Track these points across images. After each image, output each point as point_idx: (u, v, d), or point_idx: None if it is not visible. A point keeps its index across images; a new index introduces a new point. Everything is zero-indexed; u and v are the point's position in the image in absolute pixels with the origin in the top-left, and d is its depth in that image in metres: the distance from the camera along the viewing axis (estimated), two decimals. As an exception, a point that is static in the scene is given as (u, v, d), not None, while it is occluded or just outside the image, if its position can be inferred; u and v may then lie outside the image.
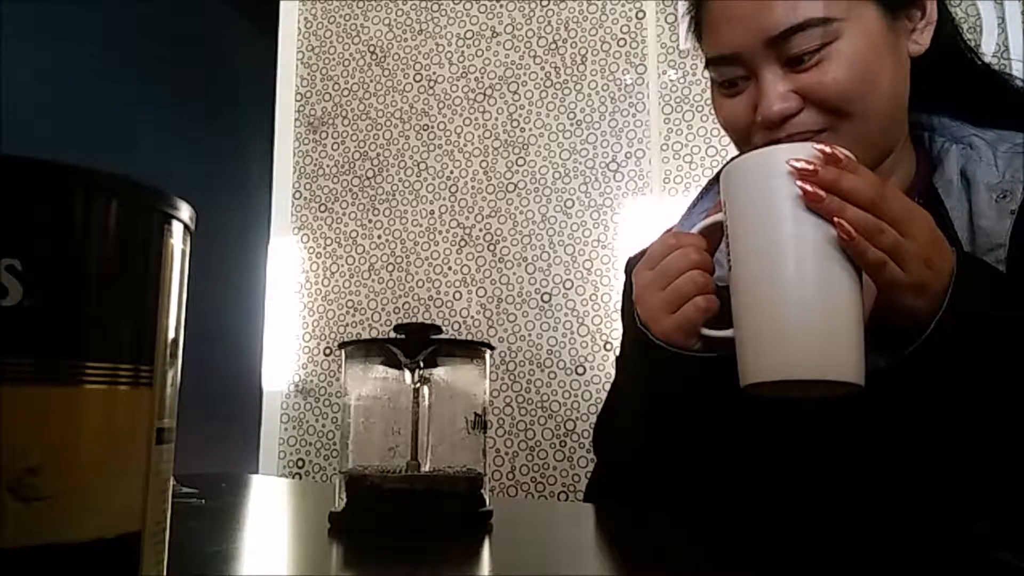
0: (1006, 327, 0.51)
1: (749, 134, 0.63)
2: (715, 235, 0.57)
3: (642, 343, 0.59)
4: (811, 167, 0.48)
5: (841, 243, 0.48)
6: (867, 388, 0.49)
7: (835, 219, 0.47)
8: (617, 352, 0.74)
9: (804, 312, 0.48)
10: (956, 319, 0.49)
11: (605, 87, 1.62)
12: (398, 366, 0.58)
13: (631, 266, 0.79)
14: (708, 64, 0.65)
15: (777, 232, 0.50)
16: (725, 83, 0.64)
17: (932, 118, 0.67)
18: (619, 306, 0.69)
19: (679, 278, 0.56)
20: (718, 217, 0.55)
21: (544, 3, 1.68)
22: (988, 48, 1.40)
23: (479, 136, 1.68)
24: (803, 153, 0.50)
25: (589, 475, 0.80)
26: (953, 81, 0.66)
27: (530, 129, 1.65)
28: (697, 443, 0.61)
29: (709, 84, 0.68)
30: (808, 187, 0.48)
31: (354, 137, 1.77)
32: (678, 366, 0.58)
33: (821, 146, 0.49)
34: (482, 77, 1.70)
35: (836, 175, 0.48)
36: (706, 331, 0.56)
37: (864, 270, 0.49)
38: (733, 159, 0.56)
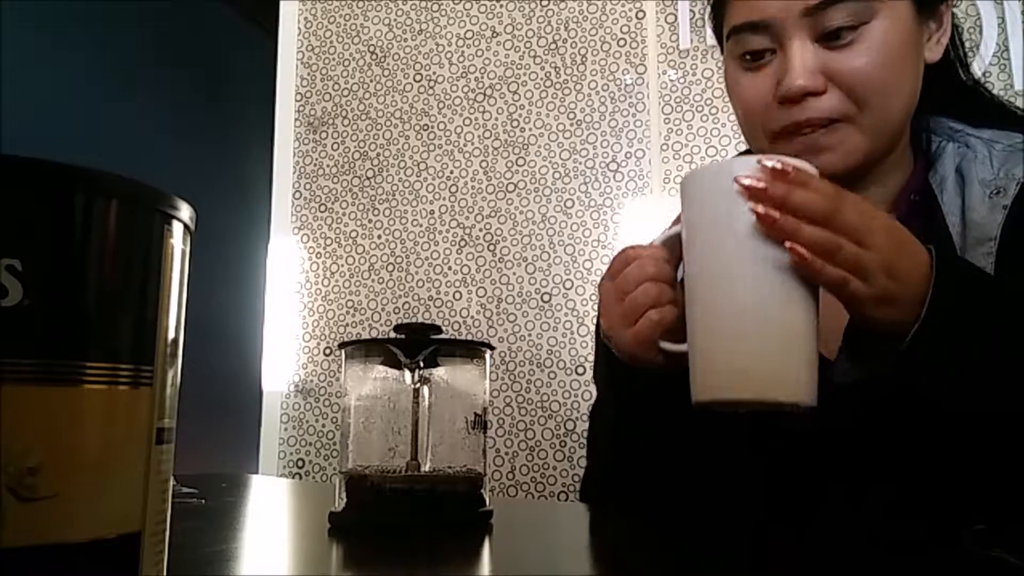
0: (988, 333, 0.49)
1: (764, 117, 0.62)
2: (677, 247, 0.54)
3: (607, 354, 0.60)
4: (760, 184, 0.46)
5: (796, 265, 0.46)
6: (846, 400, 0.48)
7: (787, 244, 0.45)
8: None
9: (753, 334, 0.47)
10: (933, 333, 0.48)
11: (605, 87, 1.62)
12: (398, 366, 0.58)
13: None
14: (732, 34, 0.63)
15: (726, 253, 0.48)
16: (747, 57, 0.62)
17: (929, 118, 0.67)
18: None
19: (635, 290, 0.55)
20: (677, 229, 0.53)
21: (544, 3, 1.68)
22: (988, 48, 1.40)
23: (479, 136, 1.68)
24: (750, 169, 0.47)
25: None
26: (943, 91, 0.66)
27: (530, 129, 1.65)
28: (667, 452, 0.61)
29: (725, 62, 0.66)
30: (760, 209, 0.45)
31: (354, 137, 1.77)
32: (640, 378, 0.58)
33: (770, 162, 0.47)
34: (482, 77, 1.70)
35: (786, 191, 0.46)
36: (664, 345, 0.54)
37: (825, 289, 0.47)
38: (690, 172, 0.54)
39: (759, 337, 0.47)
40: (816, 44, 0.59)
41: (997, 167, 0.60)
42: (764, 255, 0.46)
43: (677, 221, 0.55)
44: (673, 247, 0.55)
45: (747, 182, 0.46)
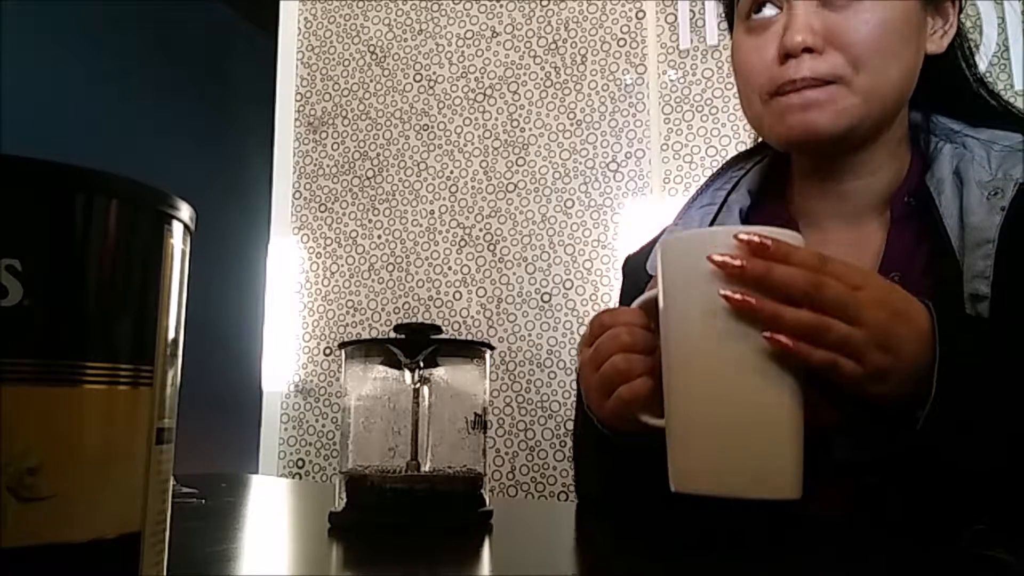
0: (1000, 392, 0.48)
1: (762, 77, 0.63)
2: (656, 309, 0.51)
3: (588, 419, 0.60)
4: (736, 262, 0.43)
5: (779, 352, 0.42)
6: (857, 475, 0.49)
7: (765, 334, 0.42)
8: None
9: (732, 425, 0.43)
10: (944, 408, 0.46)
11: (605, 87, 1.62)
12: (398, 366, 0.58)
13: (629, 265, 0.79)
14: None
15: (701, 335, 0.44)
16: (753, 24, 0.64)
17: (928, 118, 0.67)
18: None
19: (607, 362, 0.53)
20: (654, 293, 0.50)
21: (544, 3, 1.68)
22: (988, 48, 1.40)
23: (479, 136, 1.68)
24: (726, 244, 0.43)
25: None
26: (946, 88, 0.67)
27: (530, 129, 1.65)
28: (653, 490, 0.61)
29: (734, 33, 0.68)
30: (733, 294, 0.42)
31: (354, 137, 1.77)
32: (621, 443, 0.57)
33: (747, 236, 0.43)
34: (482, 77, 1.70)
35: (764, 269, 0.43)
36: (642, 417, 0.51)
37: (815, 371, 0.44)
38: (667, 238, 0.50)
39: (738, 429, 0.43)
40: (818, 4, 0.61)
41: (995, 168, 0.60)
42: (742, 339, 0.43)
43: (652, 285, 0.52)
44: (651, 310, 0.51)
45: (720, 259, 0.43)
